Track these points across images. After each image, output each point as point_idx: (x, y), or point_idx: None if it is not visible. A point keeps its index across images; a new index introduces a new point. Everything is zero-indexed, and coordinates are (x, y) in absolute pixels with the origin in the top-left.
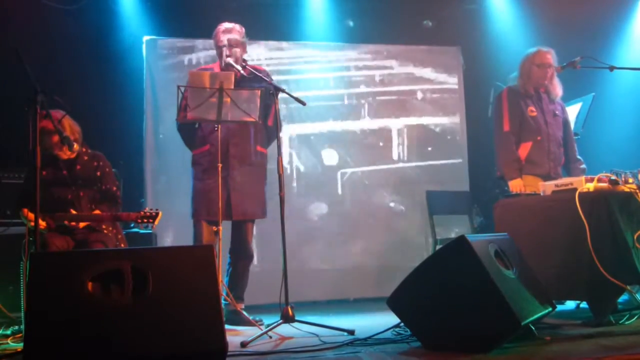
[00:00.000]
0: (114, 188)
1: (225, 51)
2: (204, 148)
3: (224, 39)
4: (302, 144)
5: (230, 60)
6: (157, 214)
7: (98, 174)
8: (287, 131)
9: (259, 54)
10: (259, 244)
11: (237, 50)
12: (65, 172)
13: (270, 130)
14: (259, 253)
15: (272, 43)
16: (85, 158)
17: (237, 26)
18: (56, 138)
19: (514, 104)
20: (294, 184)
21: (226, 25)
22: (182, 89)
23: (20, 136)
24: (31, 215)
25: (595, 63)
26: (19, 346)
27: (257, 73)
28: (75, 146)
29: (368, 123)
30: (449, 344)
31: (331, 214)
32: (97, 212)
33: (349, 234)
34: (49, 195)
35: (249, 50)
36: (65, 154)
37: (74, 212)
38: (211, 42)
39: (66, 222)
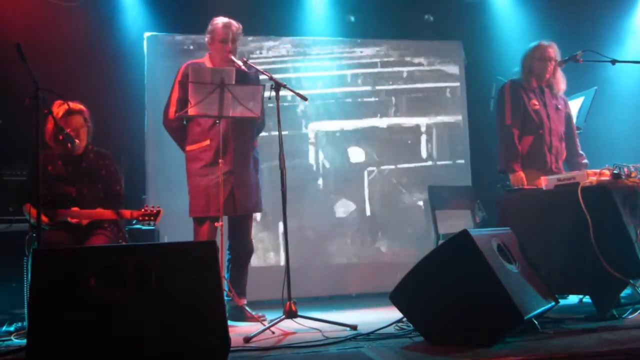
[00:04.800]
0: (118, 187)
1: (226, 47)
2: (204, 143)
3: (225, 34)
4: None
5: (231, 55)
6: (158, 211)
7: (103, 172)
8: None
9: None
10: (262, 240)
11: (235, 45)
12: (71, 168)
13: (260, 123)
14: (261, 248)
15: (282, 39)
16: (92, 156)
17: (234, 22)
18: (80, 120)
19: (517, 98)
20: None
21: (224, 20)
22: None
23: (22, 133)
24: (34, 211)
25: (598, 57)
26: (22, 343)
27: (257, 68)
28: (77, 142)
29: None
30: (451, 338)
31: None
32: (99, 209)
33: (360, 230)
34: (53, 191)
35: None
36: (67, 150)
37: (76, 209)
38: None
39: (69, 219)
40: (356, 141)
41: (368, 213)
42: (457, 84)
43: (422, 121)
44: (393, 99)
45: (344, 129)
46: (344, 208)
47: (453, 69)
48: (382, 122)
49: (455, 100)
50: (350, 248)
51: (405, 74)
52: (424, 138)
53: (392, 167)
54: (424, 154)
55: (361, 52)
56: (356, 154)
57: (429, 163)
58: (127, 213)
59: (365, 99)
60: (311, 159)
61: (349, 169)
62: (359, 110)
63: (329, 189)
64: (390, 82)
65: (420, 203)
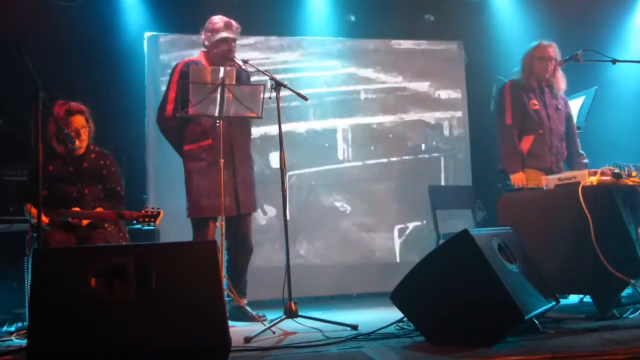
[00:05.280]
0: (118, 188)
1: (226, 46)
2: (205, 143)
3: (226, 33)
4: None
5: (232, 55)
6: (158, 213)
7: (104, 172)
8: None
9: (267, 50)
10: (263, 240)
11: (235, 45)
12: (72, 168)
13: None
14: (263, 248)
15: (281, 39)
16: (93, 156)
17: (233, 21)
18: (81, 120)
19: (517, 97)
20: None
21: (224, 19)
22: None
23: (22, 133)
24: (34, 211)
25: (598, 56)
26: (23, 343)
27: (258, 68)
28: (77, 143)
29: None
30: (452, 338)
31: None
32: (99, 209)
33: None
34: (53, 191)
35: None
36: (69, 150)
37: (77, 209)
38: None
39: (70, 219)
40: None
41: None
42: (457, 83)
43: (417, 120)
44: (389, 97)
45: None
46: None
47: (453, 69)
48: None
49: (455, 100)
50: (350, 249)
51: (403, 74)
52: (425, 135)
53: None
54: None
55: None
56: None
57: (427, 155)
58: (127, 214)
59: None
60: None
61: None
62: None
63: None
64: (388, 81)
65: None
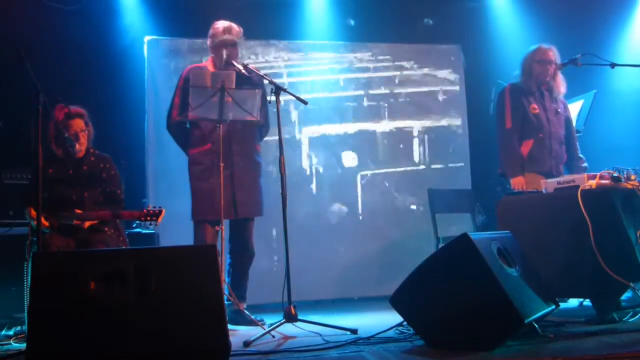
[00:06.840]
0: (118, 191)
1: (226, 50)
2: (205, 147)
3: (225, 37)
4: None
5: (231, 59)
6: (160, 211)
7: (103, 175)
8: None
9: (268, 54)
10: (262, 243)
11: (236, 49)
12: (71, 171)
13: (263, 128)
14: (262, 252)
15: (283, 43)
16: (92, 159)
17: (235, 25)
18: (80, 124)
19: (517, 101)
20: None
21: (225, 23)
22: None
23: (23, 136)
24: (35, 214)
25: (597, 60)
26: (22, 347)
27: (258, 72)
28: (77, 146)
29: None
30: (452, 342)
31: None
32: (101, 211)
33: (359, 233)
34: (53, 194)
35: (258, 50)
36: (69, 153)
37: (80, 211)
38: None
39: (74, 221)
40: (349, 146)
41: (360, 217)
42: (456, 87)
43: (418, 125)
44: (388, 103)
45: (337, 133)
46: (337, 212)
47: (452, 73)
48: (375, 127)
49: (455, 104)
50: (344, 252)
51: (402, 78)
52: (418, 142)
53: (386, 170)
54: (416, 158)
55: (355, 56)
56: (349, 158)
57: (422, 167)
58: (128, 214)
59: (359, 103)
60: (304, 164)
61: (342, 173)
62: (352, 115)
63: (322, 193)
64: (386, 86)
65: (414, 207)
